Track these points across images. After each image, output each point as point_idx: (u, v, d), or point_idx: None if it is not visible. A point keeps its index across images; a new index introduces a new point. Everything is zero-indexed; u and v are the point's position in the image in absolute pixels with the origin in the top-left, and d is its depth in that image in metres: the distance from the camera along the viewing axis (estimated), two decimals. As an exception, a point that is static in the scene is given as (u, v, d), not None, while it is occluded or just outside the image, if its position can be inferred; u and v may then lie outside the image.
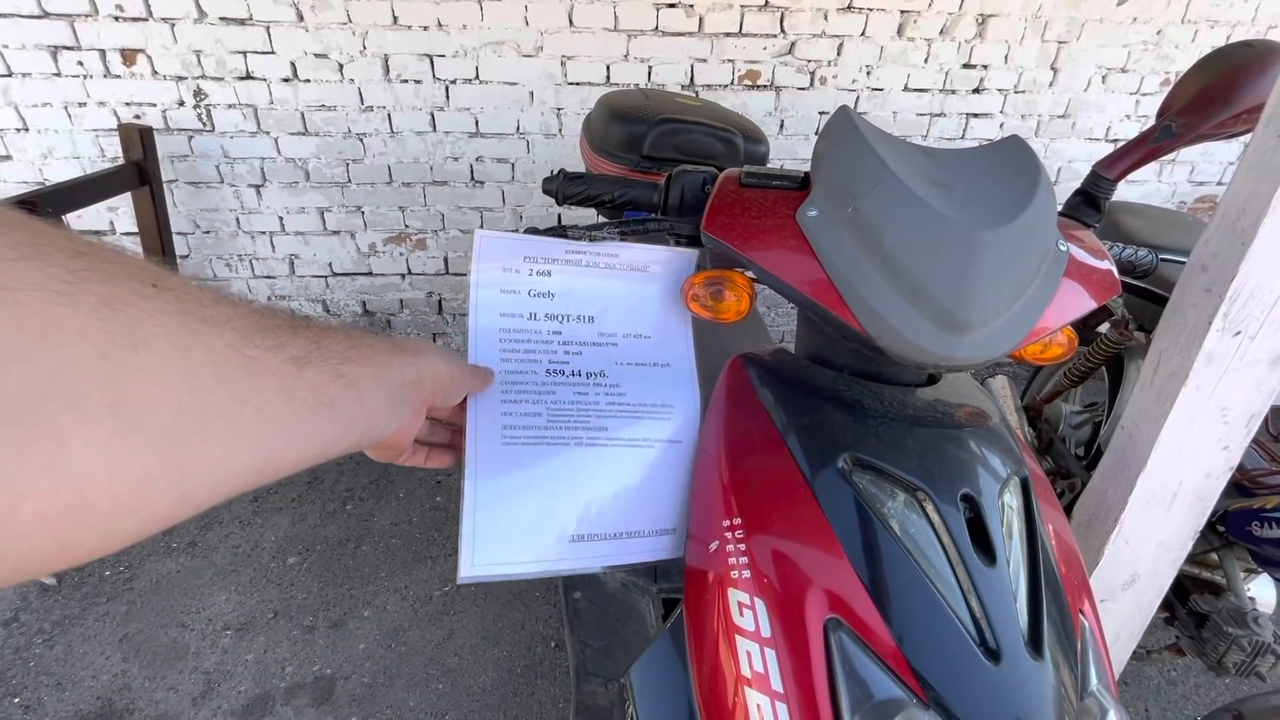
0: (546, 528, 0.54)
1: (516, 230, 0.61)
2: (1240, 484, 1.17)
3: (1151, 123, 0.68)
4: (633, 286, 0.64)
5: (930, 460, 0.52)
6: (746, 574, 0.50)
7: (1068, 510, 0.91)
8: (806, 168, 0.61)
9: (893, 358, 0.53)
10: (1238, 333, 0.60)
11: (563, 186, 0.68)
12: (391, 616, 1.56)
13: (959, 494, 0.51)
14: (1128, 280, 1.04)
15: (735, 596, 0.50)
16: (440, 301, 2.40)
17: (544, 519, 0.54)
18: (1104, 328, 1.55)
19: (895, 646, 0.45)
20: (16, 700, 1.36)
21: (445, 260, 2.32)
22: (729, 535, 0.52)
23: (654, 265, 0.64)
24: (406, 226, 2.25)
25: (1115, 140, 2.38)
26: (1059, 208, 0.69)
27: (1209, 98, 0.61)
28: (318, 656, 1.46)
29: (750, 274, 0.62)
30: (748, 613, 0.49)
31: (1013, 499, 0.54)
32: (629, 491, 0.57)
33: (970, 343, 0.51)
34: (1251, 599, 1.16)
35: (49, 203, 1.57)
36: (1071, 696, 0.47)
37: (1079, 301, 0.57)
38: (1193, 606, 1.20)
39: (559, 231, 0.61)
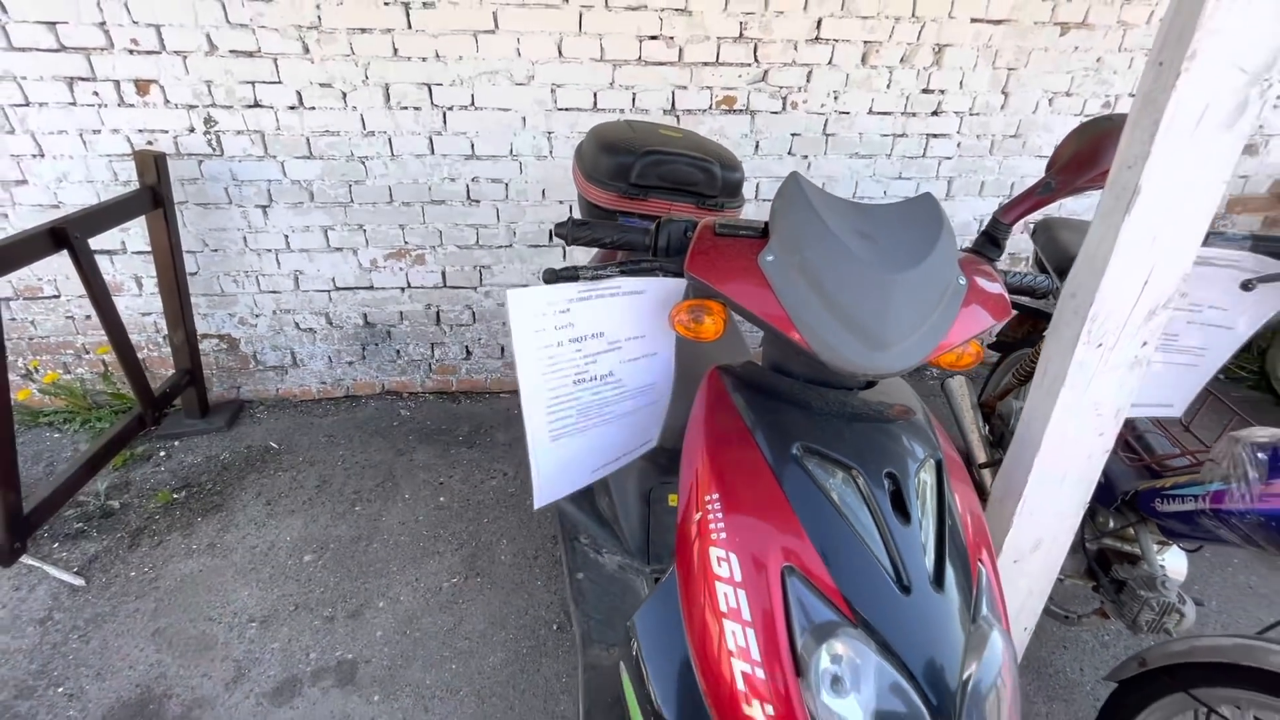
0: (580, 469, 0.86)
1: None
2: (1150, 467, 1.35)
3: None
4: (632, 303, 0.81)
5: (862, 447, 0.68)
6: (723, 535, 0.66)
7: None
8: (773, 180, 0.78)
9: (832, 368, 0.69)
10: (1100, 345, 0.76)
11: (571, 231, 0.84)
12: (405, 606, 1.69)
13: (884, 472, 0.67)
14: (1027, 302, 1.22)
15: (715, 552, 0.66)
16: (438, 313, 2.53)
17: (578, 466, 0.85)
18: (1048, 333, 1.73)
19: (834, 585, 0.61)
20: (60, 690, 1.48)
21: (443, 274, 2.46)
22: (710, 507, 0.68)
23: (649, 289, 0.80)
24: (406, 243, 2.38)
25: (1062, 157, 2.58)
26: (969, 245, 0.86)
27: (1079, 162, 0.78)
28: (339, 643, 1.59)
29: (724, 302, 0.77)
30: (724, 564, 0.65)
31: (928, 476, 0.70)
32: (628, 436, 0.91)
33: (890, 356, 0.67)
34: (1163, 567, 1.35)
35: (77, 228, 1.68)
36: (966, 620, 0.63)
37: (979, 321, 0.74)
38: (1114, 575, 1.38)
39: (572, 273, 0.76)
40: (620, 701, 0.98)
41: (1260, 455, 1.03)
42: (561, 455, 0.83)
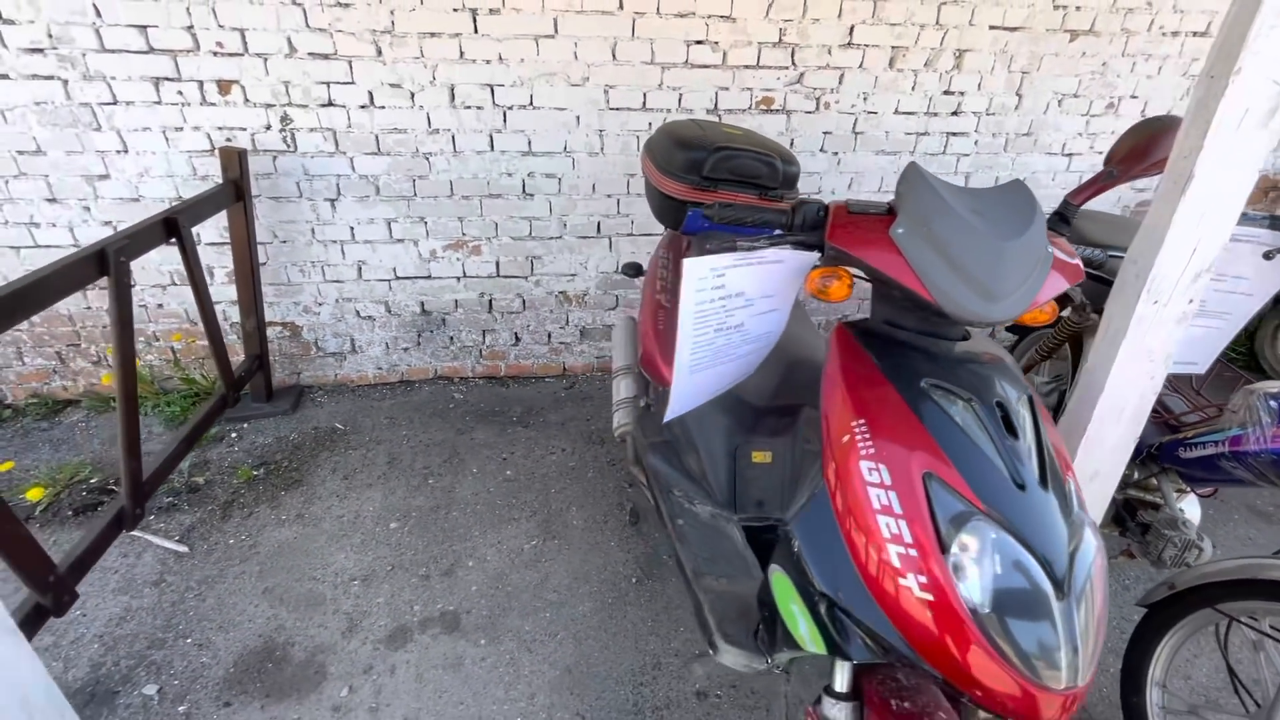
0: (700, 395, 1.08)
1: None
2: (1170, 423, 1.54)
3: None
4: (771, 270, 0.97)
5: (974, 382, 0.85)
6: (871, 450, 0.82)
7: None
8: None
9: (953, 318, 0.86)
10: (1156, 302, 0.94)
11: (718, 212, 1.00)
12: (493, 565, 1.84)
13: (994, 401, 0.84)
14: (1088, 270, 1.39)
15: (865, 464, 0.82)
16: (491, 301, 2.67)
17: (699, 392, 1.08)
18: (1066, 312, 1.92)
19: (965, 484, 0.78)
20: (189, 640, 1.61)
21: (497, 264, 2.60)
22: (857, 430, 0.84)
23: (786, 259, 0.97)
24: (464, 235, 2.52)
25: (1070, 154, 2.79)
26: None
27: (1136, 154, 0.96)
28: (438, 597, 1.74)
29: (852, 270, 0.94)
30: (875, 472, 0.81)
31: (1024, 409, 0.87)
32: (737, 371, 1.11)
33: (1001, 307, 0.84)
34: (1182, 510, 1.54)
35: (185, 218, 1.81)
36: (1064, 514, 0.80)
37: (1060, 282, 0.91)
38: (1140, 519, 1.57)
39: (731, 245, 0.92)
40: (752, 609, 1.15)
41: (1273, 403, 1.22)
42: (692, 384, 1.06)
